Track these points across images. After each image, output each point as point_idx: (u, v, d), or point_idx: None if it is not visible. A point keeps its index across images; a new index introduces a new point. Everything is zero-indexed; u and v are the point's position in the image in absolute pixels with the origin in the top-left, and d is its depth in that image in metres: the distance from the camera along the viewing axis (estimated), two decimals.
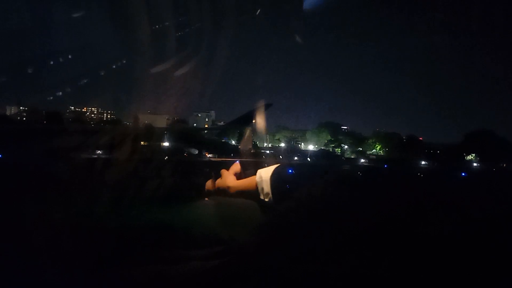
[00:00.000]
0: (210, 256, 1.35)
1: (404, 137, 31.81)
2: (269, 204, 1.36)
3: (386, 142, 32.61)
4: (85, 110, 29.04)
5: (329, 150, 32.36)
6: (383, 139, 32.96)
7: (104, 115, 29.95)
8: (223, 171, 1.60)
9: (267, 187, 1.37)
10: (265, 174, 1.40)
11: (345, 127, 34.30)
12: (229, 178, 1.56)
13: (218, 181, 1.60)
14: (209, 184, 1.66)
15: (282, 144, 31.41)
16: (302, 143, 33.35)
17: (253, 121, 1.81)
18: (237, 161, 1.63)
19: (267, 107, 1.86)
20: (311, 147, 32.52)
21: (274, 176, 1.37)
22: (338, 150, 33.04)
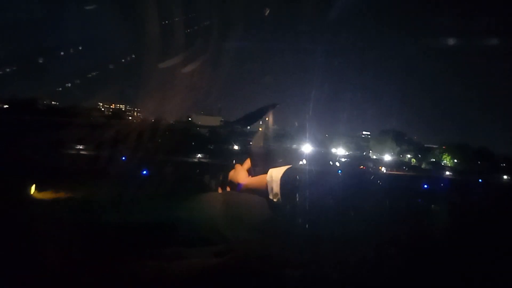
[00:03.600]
0: (212, 253, 1.37)
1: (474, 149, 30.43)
2: (277, 204, 1.40)
3: (456, 154, 31.36)
4: (113, 106, 27.82)
5: (405, 160, 30.95)
6: (454, 151, 31.63)
7: (132, 112, 28.22)
8: (237, 166, 1.62)
9: (276, 188, 1.39)
10: (276, 174, 1.42)
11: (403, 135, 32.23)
12: (241, 173, 1.59)
13: (231, 173, 1.63)
14: (232, 175, 1.64)
15: (342, 152, 29.77)
16: (371, 151, 31.95)
17: (260, 120, 1.80)
18: (249, 158, 1.64)
19: (273, 106, 1.93)
20: (374, 155, 31.11)
21: (284, 178, 1.39)
22: (413, 160, 31.79)
